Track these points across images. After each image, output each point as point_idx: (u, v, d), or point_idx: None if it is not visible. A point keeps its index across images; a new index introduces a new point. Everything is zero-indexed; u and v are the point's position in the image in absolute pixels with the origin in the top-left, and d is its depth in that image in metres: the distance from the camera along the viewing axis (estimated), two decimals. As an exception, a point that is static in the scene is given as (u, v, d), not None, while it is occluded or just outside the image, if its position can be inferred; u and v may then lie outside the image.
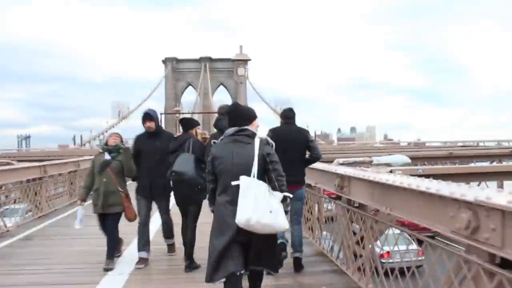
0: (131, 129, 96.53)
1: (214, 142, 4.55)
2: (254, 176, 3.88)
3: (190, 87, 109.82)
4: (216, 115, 6.28)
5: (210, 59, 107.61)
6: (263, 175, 4.00)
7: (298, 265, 6.15)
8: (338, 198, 6.48)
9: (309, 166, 6.50)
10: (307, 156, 6.22)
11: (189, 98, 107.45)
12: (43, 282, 5.96)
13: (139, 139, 6.73)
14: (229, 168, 3.97)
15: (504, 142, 52.87)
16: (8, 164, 14.77)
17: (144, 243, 6.54)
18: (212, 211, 4.25)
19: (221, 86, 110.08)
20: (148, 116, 6.52)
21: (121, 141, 6.71)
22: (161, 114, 48.84)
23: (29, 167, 11.64)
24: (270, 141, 4.20)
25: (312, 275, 6.10)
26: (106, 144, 6.71)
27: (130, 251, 7.04)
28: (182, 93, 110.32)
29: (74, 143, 75.95)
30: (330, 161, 11.71)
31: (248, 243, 3.92)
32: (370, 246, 5.35)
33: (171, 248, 7.10)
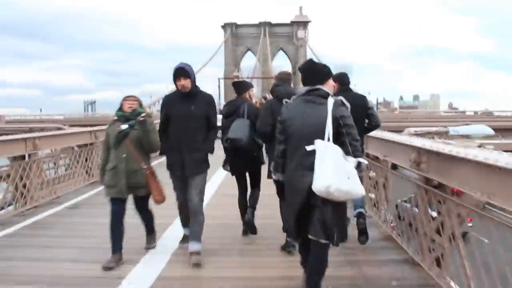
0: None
1: (286, 102, 4.15)
2: (329, 140, 3.64)
3: (249, 52, 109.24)
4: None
5: (269, 24, 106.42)
6: (336, 139, 3.70)
7: (362, 232, 5.71)
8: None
9: (370, 134, 6.27)
10: (365, 124, 5.69)
11: (249, 63, 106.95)
12: (81, 259, 5.38)
13: (169, 101, 5.36)
14: (299, 130, 3.77)
15: None
16: (59, 129, 14.42)
17: (186, 218, 5.51)
18: (277, 180, 4.11)
19: (281, 51, 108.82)
20: (182, 72, 5.13)
21: (140, 105, 5.34)
22: (219, 79, 48.55)
23: (79, 132, 11.02)
24: (346, 102, 3.84)
25: (379, 265, 5.21)
26: (120, 109, 5.32)
27: (174, 228, 6.38)
28: (242, 58, 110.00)
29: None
30: (394, 131, 10.56)
31: (313, 210, 3.72)
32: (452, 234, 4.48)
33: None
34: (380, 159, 7.07)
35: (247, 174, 6.11)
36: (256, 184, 6.10)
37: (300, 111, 3.81)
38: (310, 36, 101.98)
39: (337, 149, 3.63)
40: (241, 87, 6.16)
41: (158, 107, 77.88)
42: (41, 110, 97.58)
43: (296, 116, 3.81)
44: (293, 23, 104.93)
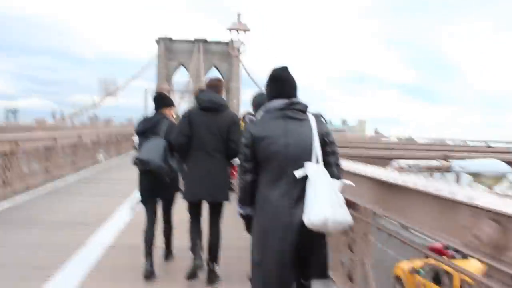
0: (119, 107, 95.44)
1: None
2: (317, 162, 3.10)
3: (182, 68, 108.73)
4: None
5: (204, 41, 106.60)
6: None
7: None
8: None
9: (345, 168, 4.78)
10: None
11: (181, 79, 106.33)
12: None
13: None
14: (283, 151, 3.12)
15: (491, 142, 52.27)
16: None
17: None
18: (245, 215, 3.44)
19: (214, 68, 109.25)
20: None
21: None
22: (146, 90, 47.40)
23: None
24: (324, 116, 3.37)
25: None
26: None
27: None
28: (174, 73, 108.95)
29: (54, 118, 74.23)
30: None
31: (305, 248, 3.15)
32: None
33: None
34: (357, 205, 4.54)
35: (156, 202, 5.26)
36: (168, 213, 5.51)
37: (281, 128, 3.16)
38: (243, 57, 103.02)
39: (327, 173, 3.09)
40: (161, 99, 5.38)
41: (79, 118, 76.86)
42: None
43: (277, 134, 3.14)
44: (227, 43, 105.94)
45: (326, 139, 3.20)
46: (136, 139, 5.32)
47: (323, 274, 3.26)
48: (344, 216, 3.01)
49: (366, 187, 4.16)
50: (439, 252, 9.41)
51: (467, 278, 3.19)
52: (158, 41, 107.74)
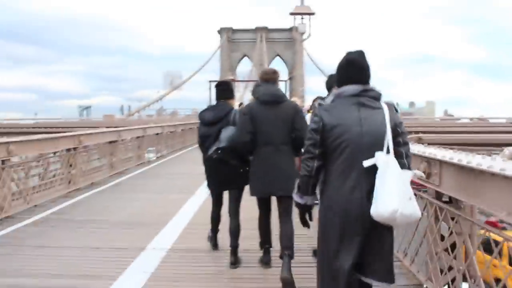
0: (184, 100, 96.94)
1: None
2: (389, 152, 2.93)
3: (245, 58, 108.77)
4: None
5: (266, 29, 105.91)
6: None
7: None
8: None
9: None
10: None
11: (245, 69, 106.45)
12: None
13: None
14: (357, 140, 2.94)
15: None
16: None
17: None
18: (303, 205, 3.26)
19: (278, 57, 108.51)
20: None
21: None
22: (210, 82, 46.47)
23: (62, 137, 9.90)
24: (397, 106, 3.24)
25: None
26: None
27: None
28: (238, 64, 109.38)
29: (122, 113, 76.04)
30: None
31: (371, 244, 3.00)
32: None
33: None
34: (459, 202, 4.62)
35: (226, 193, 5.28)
36: (238, 202, 5.19)
37: (355, 116, 2.99)
38: (307, 45, 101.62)
39: (397, 165, 2.94)
40: (229, 90, 5.31)
41: (147, 111, 78.31)
42: (36, 114, 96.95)
43: (350, 122, 2.98)
44: (290, 30, 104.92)
45: (398, 129, 3.04)
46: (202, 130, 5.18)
47: (387, 278, 3.04)
48: (413, 209, 2.88)
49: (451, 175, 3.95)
50: (493, 224, 10.19)
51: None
52: (220, 32, 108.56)
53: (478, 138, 12.91)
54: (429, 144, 5.66)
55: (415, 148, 4.54)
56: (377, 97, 3.06)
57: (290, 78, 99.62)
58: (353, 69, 3.08)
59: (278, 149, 4.52)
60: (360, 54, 3.12)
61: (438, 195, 4.41)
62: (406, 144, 3.09)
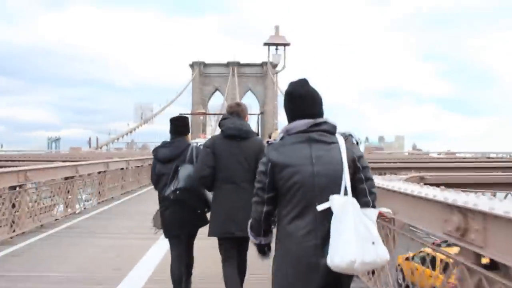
0: (155, 133, 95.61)
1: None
2: (347, 193, 2.62)
3: (217, 92, 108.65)
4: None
5: (238, 64, 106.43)
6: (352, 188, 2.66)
7: None
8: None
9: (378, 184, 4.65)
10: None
11: (216, 103, 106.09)
12: None
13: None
14: (310, 181, 2.62)
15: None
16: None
17: None
18: (258, 244, 2.97)
19: (249, 92, 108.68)
20: None
21: None
22: (180, 114, 45.36)
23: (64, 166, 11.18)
24: (356, 136, 2.89)
25: None
26: None
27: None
28: (209, 98, 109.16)
29: (90, 146, 73.64)
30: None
31: None
32: None
33: None
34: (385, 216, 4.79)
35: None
36: (191, 248, 4.96)
37: (306, 154, 2.66)
38: (282, 73, 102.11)
39: (356, 205, 2.59)
40: (185, 125, 5.04)
41: (116, 145, 76.04)
42: (1, 146, 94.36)
43: (301, 161, 2.64)
44: (262, 63, 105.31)
45: (358, 163, 2.73)
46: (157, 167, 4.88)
47: None
48: (377, 254, 2.55)
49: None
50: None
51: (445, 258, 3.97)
52: (192, 66, 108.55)
53: (485, 177, 11.96)
54: (433, 185, 4.60)
55: (439, 194, 3.61)
56: (330, 130, 2.73)
57: (261, 113, 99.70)
58: (298, 101, 2.76)
59: (240, 186, 4.27)
60: (303, 84, 2.79)
61: (477, 259, 3.34)
62: (368, 179, 2.75)
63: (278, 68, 25.72)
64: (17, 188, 8.57)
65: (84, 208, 11.85)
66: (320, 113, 2.77)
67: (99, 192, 13.47)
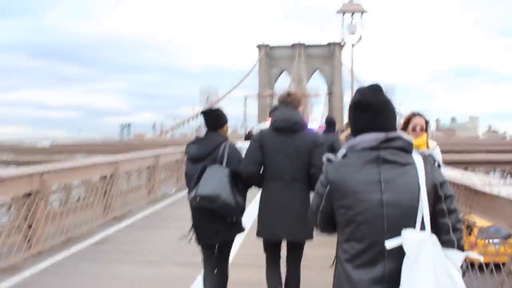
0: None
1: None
2: (426, 228, 2.01)
3: (284, 73, 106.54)
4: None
5: (304, 46, 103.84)
6: (431, 222, 2.05)
7: None
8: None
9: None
10: None
11: (283, 85, 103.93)
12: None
13: None
14: (377, 212, 2.04)
15: None
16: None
17: None
18: None
19: (317, 72, 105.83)
20: None
21: None
22: (246, 97, 43.12)
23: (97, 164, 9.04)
24: (437, 157, 2.25)
25: None
26: None
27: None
28: (276, 79, 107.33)
29: (154, 132, 72.36)
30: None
31: None
32: None
33: None
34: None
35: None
36: (225, 260, 4.28)
37: (374, 177, 2.06)
38: (345, 57, 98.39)
39: (437, 245, 2.01)
40: (219, 117, 4.34)
41: (181, 130, 74.55)
42: (78, 132, 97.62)
43: (367, 187, 2.05)
44: (329, 44, 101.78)
45: (440, 192, 2.12)
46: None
47: None
48: None
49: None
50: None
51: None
52: (258, 48, 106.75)
53: None
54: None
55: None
56: (406, 148, 2.14)
57: (329, 93, 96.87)
58: (368, 112, 2.19)
59: (289, 186, 3.89)
60: (375, 91, 2.23)
61: None
62: (452, 212, 2.13)
63: (353, 41, 22.33)
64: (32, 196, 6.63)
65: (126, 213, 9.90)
66: (394, 127, 2.20)
67: (148, 191, 11.55)
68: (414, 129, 4.72)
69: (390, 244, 1.99)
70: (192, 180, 4.03)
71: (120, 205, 9.58)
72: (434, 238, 2.02)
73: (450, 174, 4.93)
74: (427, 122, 4.78)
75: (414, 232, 2.00)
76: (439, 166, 2.24)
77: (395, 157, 2.10)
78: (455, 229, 2.12)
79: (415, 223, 2.03)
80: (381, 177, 2.07)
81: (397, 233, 2.00)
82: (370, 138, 2.13)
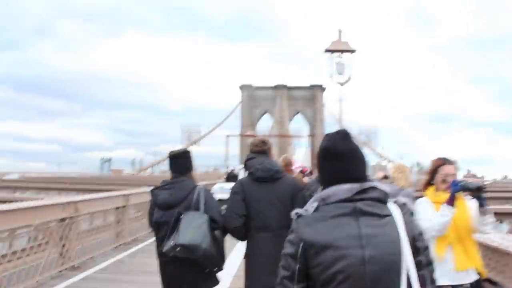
0: (203, 156, 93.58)
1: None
2: (413, 285, 1.89)
3: (266, 114, 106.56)
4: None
5: (286, 87, 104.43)
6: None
7: None
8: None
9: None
10: None
11: (266, 126, 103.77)
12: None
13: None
14: (359, 270, 1.85)
15: None
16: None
17: None
18: None
19: (299, 114, 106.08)
20: None
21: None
22: (227, 136, 42.30)
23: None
24: (410, 205, 2.44)
25: None
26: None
27: None
28: (258, 120, 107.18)
29: (133, 168, 70.99)
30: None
31: None
32: None
33: None
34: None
35: None
36: None
37: (353, 232, 1.90)
38: (326, 101, 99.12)
39: None
40: (188, 160, 4.02)
41: (161, 167, 72.84)
42: (59, 165, 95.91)
43: (346, 242, 1.88)
44: (311, 86, 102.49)
45: (418, 243, 2.00)
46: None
47: None
48: None
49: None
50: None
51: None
52: (241, 88, 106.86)
53: None
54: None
55: None
56: (382, 198, 1.99)
57: (311, 135, 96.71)
58: (339, 161, 2.04)
59: (276, 235, 3.76)
60: (343, 137, 2.08)
61: None
62: (429, 264, 2.01)
63: (341, 80, 21.42)
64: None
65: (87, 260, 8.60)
66: (365, 176, 2.06)
67: (116, 233, 10.26)
68: (444, 181, 3.74)
69: None
70: (164, 229, 3.72)
71: (79, 252, 8.27)
72: None
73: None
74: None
75: None
76: (412, 214, 2.09)
77: (373, 209, 1.95)
78: (433, 281, 2.01)
79: (399, 279, 1.90)
80: (361, 231, 1.91)
81: None
82: (345, 188, 1.98)
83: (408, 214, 2.03)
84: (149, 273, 7.52)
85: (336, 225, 1.92)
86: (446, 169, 3.77)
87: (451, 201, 3.55)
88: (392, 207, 1.98)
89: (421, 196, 3.86)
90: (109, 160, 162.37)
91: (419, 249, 1.97)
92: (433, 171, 3.82)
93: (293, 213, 2.07)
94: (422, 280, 1.96)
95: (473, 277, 3.65)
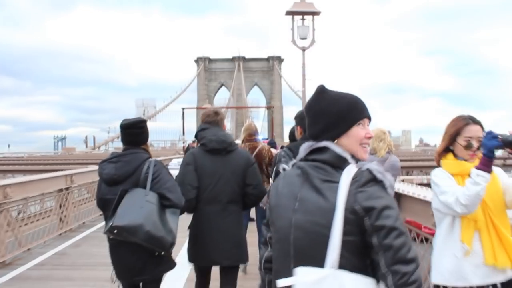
0: (159, 131, 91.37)
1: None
2: (331, 265, 1.65)
3: (223, 88, 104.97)
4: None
5: (243, 59, 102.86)
6: (358, 257, 1.68)
7: None
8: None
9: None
10: None
11: (222, 98, 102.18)
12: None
13: None
14: (286, 234, 1.76)
15: None
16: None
17: None
18: None
19: (256, 87, 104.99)
20: None
21: None
22: (183, 109, 40.75)
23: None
24: (383, 176, 1.71)
25: None
26: None
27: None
28: (215, 93, 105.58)
29: (86, 146, 68.64)
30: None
31: None
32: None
33: None
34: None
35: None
36: None
37: (292, 193, 1.81)
38: (284, 72, 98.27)
39: (344, 286, 1.63)
40: (142, 131, 3.63)
41: (116, 144, 71.10)
42: (9, 146, 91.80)
43: (285, 201, 1.81)
44: (268, 58, 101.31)
45: (367, 220, 1.66)
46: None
47: None
48: None
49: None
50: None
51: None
52: (197, 61, 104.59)
53: None
54: None
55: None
56: (332, 162, 1.76)
57: (268, 107, 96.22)
58: (307, 117, 1.91)
59: (225, 209, 3.75)
60: (315, 94, 1.89)
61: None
62: (388, 248, 1.63)
63: (305, 44, 20.32)
64: None
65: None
66: (322, 134, 1.81)
67: (60, 219, 9.00)
68: (469, 146, 2.86)
69: (281, 283, 1.73)
70: (109, 207, 3.40)
71: (10, 245, 7.02)
72: (341, 277, 1.64)
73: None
74: None
75: (310, 270, 1.67)
76: (383, 187, 1.72)
77: (316, 172, 1.78)
78: (393, 271, 1.61)
79: (325, 254, 1.66)
80: (299, 194, 1.79)
81: (306, 263, 1.70)
82: (303, 147, 1.90)
83: (361, 183, 1.70)
84: (93, 267, 6.41)
85: (287, 184, 1.86)
86: (472, 130, 2.87)
87: (486, 163, 2.62)
88: (345, 174, 1.72)
89: (437, 166, 2.98)
90: (63, 138, 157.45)
91: (369, 226, 1.65)
92: (454, 134, 2.91)
93: (280, 168, 2.09)
94: (378, 268, 1.67)
95: (508, 274, 2.81)
